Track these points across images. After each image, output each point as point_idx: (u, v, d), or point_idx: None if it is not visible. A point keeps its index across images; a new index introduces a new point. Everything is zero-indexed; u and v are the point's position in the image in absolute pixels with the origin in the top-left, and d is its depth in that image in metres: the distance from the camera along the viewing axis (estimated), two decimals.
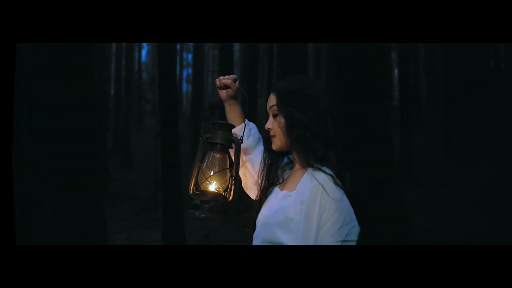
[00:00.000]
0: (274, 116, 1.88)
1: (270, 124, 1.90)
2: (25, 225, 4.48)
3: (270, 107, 1.90)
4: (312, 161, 1.78)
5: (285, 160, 1.99)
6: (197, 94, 24.64)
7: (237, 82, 2.06)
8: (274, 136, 1.89)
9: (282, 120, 1.84)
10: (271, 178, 1.96)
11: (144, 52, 41.58)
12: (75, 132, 4.75)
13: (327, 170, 1.74)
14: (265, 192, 1.95)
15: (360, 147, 5.80)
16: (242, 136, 1.95)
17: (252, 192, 2.08)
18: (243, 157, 2.05)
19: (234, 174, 1.87)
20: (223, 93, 2.08)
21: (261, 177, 1.99)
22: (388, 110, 6.18)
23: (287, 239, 1.75)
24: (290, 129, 1.82)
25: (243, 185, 2.11)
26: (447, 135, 14.23)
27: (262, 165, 2.01)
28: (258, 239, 1.87)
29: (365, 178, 5.79)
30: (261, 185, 1.97)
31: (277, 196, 1.88)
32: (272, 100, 1.89)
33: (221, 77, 2.07)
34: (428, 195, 9.85)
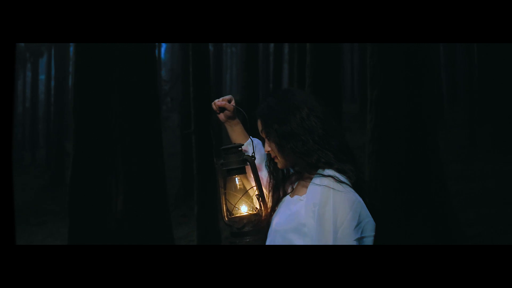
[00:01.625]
0: (267, 139, 1.91)
1: (268, 147, 1.92)
2: (98, 223, 4.54)
3: (261, 132, 1.93)
4: (314, 166, 1.81)
5: (291, 171, 2.00)
6: (217, 92, 24.71)
7: (233, 102, 2.07)
8: (275, 157, 1.91)
9: (272, 140, 1.87)
10: (280, 192, 1.97)
11: (162, 50, 41.62)
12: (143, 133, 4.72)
13: (331, 172, 1.76)
14: (275, 204, 1.96)
15: (401, 145, 5.83)
16: (253, 152, 1.96)
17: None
18: (251, 175, 2.04)
19: (258, 191, 1.91)
20: (221, 116, 2.10)
21: (270, 191, 2.00)
22: (427, 108, 6.15)
23: (299, 242, 1.77)
24: (280, 145, 1.84)
25: None
26: (471, 132, 14.15)
27: (270, 180, 2.02)
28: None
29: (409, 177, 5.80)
30: (272, 198, 1.98)
31: (288, 203, 1.89)
32: (259, 125, 1.92)
33: (216, 100, 2.08)
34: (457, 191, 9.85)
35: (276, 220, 1.88)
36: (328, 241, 1.68)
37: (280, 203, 1.93)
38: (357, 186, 1.77)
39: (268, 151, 1.92)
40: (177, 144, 16.56)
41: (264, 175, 2.05)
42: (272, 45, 22.75)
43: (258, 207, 1.91)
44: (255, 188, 1.91)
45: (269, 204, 1.97)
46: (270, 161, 1.99)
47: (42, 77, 37.40)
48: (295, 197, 1.87)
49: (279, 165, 1.92)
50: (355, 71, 30.75)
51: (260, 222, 1.89)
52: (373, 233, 1.73)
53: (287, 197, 1.92)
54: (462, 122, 15.96)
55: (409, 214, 5.73)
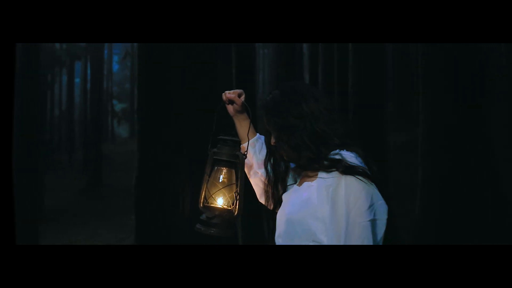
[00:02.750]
0: (271, 131, 1.91)
1: (273, 140, 1.92)
2: (166, 223, 4.55)
3: (266, 125, 1.94)
4: (320, 154, 1.78)
5: (291, 165, 1.99)
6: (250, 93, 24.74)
7: (243, 97, 2.06)
8: (280, 149, 1.90)
9: (275, 133, 1.88)
10: (280, 186, 1.98)
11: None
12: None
13: (341, 155, 1.75)
14: (280, 198, 1.96)
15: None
16: (246, 151, 1.97)
17: (264, 200, 2.10)
18: (258, 172, 2.09)
19: (238, 189, 1.88)
20: (230, 108, 2.10)
21: (270, 187, 2.00)
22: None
23: (317, 227, 1.73)
24: (279, 138, 1.85)
25: (257, 194, 2.13)
26: None
27: (269, 176, 2.02)
28: (283, 238, 1.85)
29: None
30: (272, 195, 1.99)
31: (297, 191, 1.88)
32: (265, 121, 1.93)
33: (227, 92, 2.08)
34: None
35: (287, 210, 1.86)
36: (341, 223, 1.67)
37: (286, 194, 1.92)
38: (367, 169, 1.76)
39: (273, 143, 1.92)
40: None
41: (263, 172, 2.07)
42: (305, 45, 22.58)
43: (233, 205, 1.89)
44: (237, 186, 1.90)
45: (271, 202, 1.99)
46: (270, 155, 2.00)
47: (77, 80, 38.07)
48: (305, 183, 1.84)
49: (285, 158, 1.92)
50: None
51: (230, 219, 1.88)
52: (386, 216, 1.71)
53: (295, 186, 1.91)
54: None
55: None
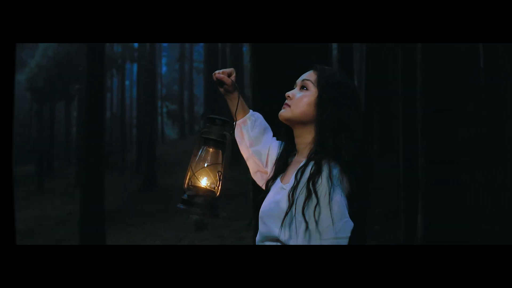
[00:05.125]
0: (302, 88, 1.84)
1: (292, 93, 1.86)
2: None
3: (303, 80, 1.85)
4: (320, 146, 1.72)
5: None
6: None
7: (233, 76, 2.03)
8: (289, 106, 1.84)
9: (311, 97, 1.79)
10: (278, 169, 1.91)
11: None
12: None
13: (326, 167, 1.66)
14: (269, 184, 1.90)
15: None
16: (233, 130, 1.93)
17: (258, 179, 2.07)
18: (249, 150, 2.05)
19: (222, 169, 1.83)
20: (221, 88, 2.06)
21: (275, 162, 1.95)
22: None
23: (281, 234, 1.68)
24: (320, 108, 1.77)
25: (251, 171, 2.09)
26: None
27: (276, 157, 1.96)
28: (258, 236, 1.81)
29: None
30: (269, 177, 1.94)
31: (274, 189, 1.83)
32: (312, 76, 1.84)
33: (216, 71, 2.04)
34: None
35: (262, 207, 1.82)
36: (300, 235, 1.62)
37: (272, 187, 1.86)
38: (352, 192, 1.69)
39: (288, 96, 1.85)
40: None
41: (263, 149, 2.04)
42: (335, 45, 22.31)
43: (217, 186, 1.84)
44: (221, 167, 1.85)
45: (264, 184, 1.96)
46: (286, 132, 1.93)
47: (126, 82, 38.80)
48: (280, 184, 1.81)
49: (283, 115, 1.85)
50: None
51: (212, 200, 1.82)
52: (348, 235, 1.63)
53: (278, 181, 1.86)
54: None
55: None
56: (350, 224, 1.64)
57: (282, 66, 4.15)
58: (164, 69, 48.37)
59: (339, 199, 1.62)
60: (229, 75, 2.02)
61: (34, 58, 25.58)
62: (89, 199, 11.15)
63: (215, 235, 11.88)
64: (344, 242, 1.63)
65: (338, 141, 1.71)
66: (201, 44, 38.65)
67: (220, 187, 1.83)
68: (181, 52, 38.48)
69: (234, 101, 2.06)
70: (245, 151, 2.09)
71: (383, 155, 14.31)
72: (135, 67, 37.43)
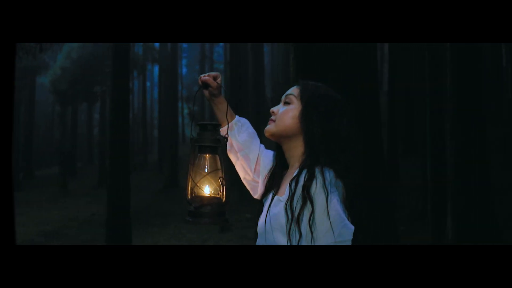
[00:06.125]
0: (286, 103, 1.85)
1: (276, 109, 1.87)
2: None
3: (287, 95, 1.86)
4: (313, 157, 1.71)
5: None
6: None
7: (219, 80, 2.03)
8: (274, 121, 1.85)
9: (295, 111, 1.80)
10: (271, 184, 1.90)
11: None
12: None
13: (318, 172, 1.65)
14: (263, 199, 1.90)
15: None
16: (227, 134, 1.91)
17: (247, 185, 2.08)
18: (237, 154, 2.05)
19: (222, 173, 1.82)
20: (206, 92, 2.05)
21: (267, 175, 1.95)
22: None
23: (285, 243, 1.67)
24: (305, 120, 1.77)
25: (240, 176, 2.09)
26: None
27: (267, 173, 1.96)
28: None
29: None
30: (261, 190, 1.94)
31: (270, 203, 1.81)
32: (295, 91, 1.85)
33: (202, 75, 2.03)
34: None
35: (260, 221, 1.81)
36: (301, 242, 1.62)
37: (269, 201, 1.83)
38: (348, 196, 1.68)
39: (273, 112, 1.87)
40: None
41: (251, 153, 2.04)
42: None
43: (221, 192, 1.83)
44: (222, 172, 1.84)
45: (260, 189, 1.95)
46: (278, 147, 1.93)
47: (147, 83, 39.06)
48: (276, 197, 1.79)
49: (268, 130, 1.86)
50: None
51: (219, 207, 1.81)
52: (350, 237, 1.62)
53: (270, 196, 1.84)
54: None
55: None
56: (350, 227, 1.64)
57: (325, 69, 4.11)
58: (184, 70, 48.57)
59: (336, 204, 1.62)
60: (214, 79, 2.03)
61: (58, 60, 25.89)
62: (115, 200, 11.25)
63: (239, 236, 11.90)
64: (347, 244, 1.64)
65: (330, 151, 1.72)
66: (221, 44, 38.81)
67: (225, 192, 1.83)
68: (202, 52, 38.63)
69: (219, 106, 2.08)
70: (233, 156, 2.10)
71: (407, 156, 14.21)
72: (155, 68, 37.71)
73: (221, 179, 1.83)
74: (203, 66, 40.21)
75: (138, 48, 29.07)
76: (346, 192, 1.68)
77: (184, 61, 47.65)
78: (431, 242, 8.28)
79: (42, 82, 32.91)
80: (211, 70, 41.85)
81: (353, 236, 1.63)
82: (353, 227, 1.64)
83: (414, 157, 12.79)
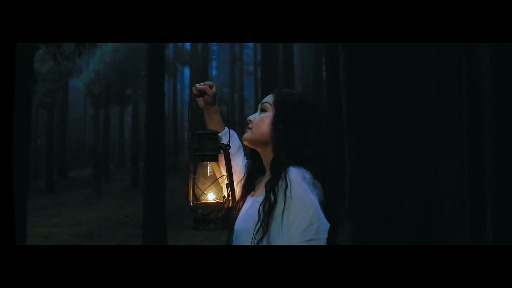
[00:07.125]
0: (262, 111, 1.91)
1: (253, 117, 1.94)
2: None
3: (262, 103, 1.93)
4: (282, 161, 1.75)
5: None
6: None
7: (214, 88, 2.06)
8: (251, 128, 1.91)
9: (269, 118, 1.86)
10: (247, 188, 1.96)
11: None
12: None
13: (293, 171, 1.70)
14: (240, 202, 1.93)
15: None
16: (228, 141, 1.94)
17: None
18: (223, 163, 2.02)
19: (228, 180, 1.85)
20: (200, 101, 2.09)
21: (240, 183, 2.00)
22: None
23: (254, 243, 1.70)
24: (274, 126, 1.83)
25: None
26: None
27: (243, 176, 2.02)
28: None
29: None
30: (239, 196, 1.96)
31: (246, 205, 1.87)
32: (270, 98, 1.92)
33: (197, 84, 2.07)
34: None
35: (236, 223, 1.86)
36: (278, 240, 1.67)
37: (245, 202, 1.90)
38: (324, 201, 1.72)
39: (250, 120, 1.94)
40: None
41: (236, 164, 2.08)
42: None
43: (226, 196, 1.86)
44: (225, 177, 1.88)
45: (237, 194, 1.97)
46: (252, 155, 2.00)
47: (177, 86, 39.34)
48: (253, 198, 1.85)
49: (245, 137, 1.93)
50: None
51: (226, 211, 1.84)
52: (325, 236, 1.66)
53: (248, 198, 1.91)
54: None
55: None
56: (326, 225, 1.67)
57: (377, 69, 4.05)
58: (214, 72, 48.82)
59: (314, 201, 1.67)
60: (210, 87, 2.08)
61: (91, 63, 26.30)
62: (151, 201, 11.38)
63: None
64: (322, 243, 1.66)
65: (303, 157, 1.77)
66: (250, 45, 38.87)
67: (231, 197, 1.86)
68: (232, 54, 38.77)
69: (213, 116, 2.13)
70: None
71: (442, 157, 14.04)
72: (186, 70, 37.99)
73: (227, 185, 1.87)
74: (233, 68, 40.36)
75: (169, 51, 29.33)
76: (323, 197, 1.73)
77: (214, 63, 47.89)
78: (469, 242, 8.18)
79: (73, 85, 33.44)
80: (241, 72, 41.95)
81: (328, 234, 1.66)
82: (328, 225, 1.67)
83: (449, 159, 12.62)
